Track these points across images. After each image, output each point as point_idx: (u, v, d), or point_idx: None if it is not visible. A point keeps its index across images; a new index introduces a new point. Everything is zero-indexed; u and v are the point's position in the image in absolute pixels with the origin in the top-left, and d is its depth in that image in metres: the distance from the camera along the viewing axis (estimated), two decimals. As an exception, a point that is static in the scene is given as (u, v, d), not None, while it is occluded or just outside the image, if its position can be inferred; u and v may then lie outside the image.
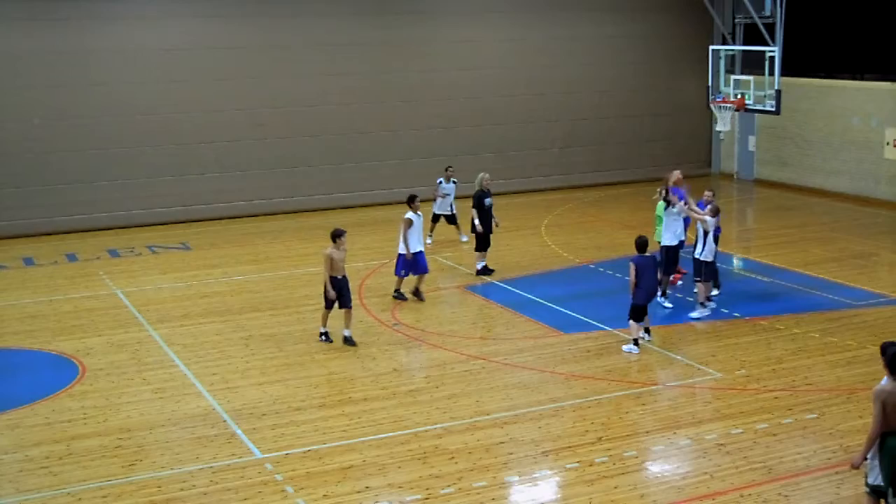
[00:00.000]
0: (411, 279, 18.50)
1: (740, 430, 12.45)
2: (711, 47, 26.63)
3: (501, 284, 19.47)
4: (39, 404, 13.90)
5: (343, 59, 27.33)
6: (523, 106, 29.43)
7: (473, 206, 19.95)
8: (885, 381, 9.31)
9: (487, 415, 13.19)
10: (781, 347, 15.57)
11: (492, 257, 20.59)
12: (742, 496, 10.84)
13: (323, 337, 16.24)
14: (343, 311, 16.03)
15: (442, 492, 11.08)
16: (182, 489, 11.31)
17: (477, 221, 19.82)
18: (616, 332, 16.29)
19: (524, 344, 16.01)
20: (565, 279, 19.89)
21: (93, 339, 16.73)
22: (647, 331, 15.81)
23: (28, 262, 22.36)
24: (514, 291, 19.02)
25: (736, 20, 29.43)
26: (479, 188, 20.12)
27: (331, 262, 15.82)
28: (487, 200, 20.00)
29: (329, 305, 16.09)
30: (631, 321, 15.48)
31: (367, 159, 27.96)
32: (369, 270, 20.78)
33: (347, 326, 16.12)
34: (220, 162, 26.52)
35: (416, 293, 18.41)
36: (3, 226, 24.52)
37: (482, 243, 19.98)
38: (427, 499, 10.95)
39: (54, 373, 15.24)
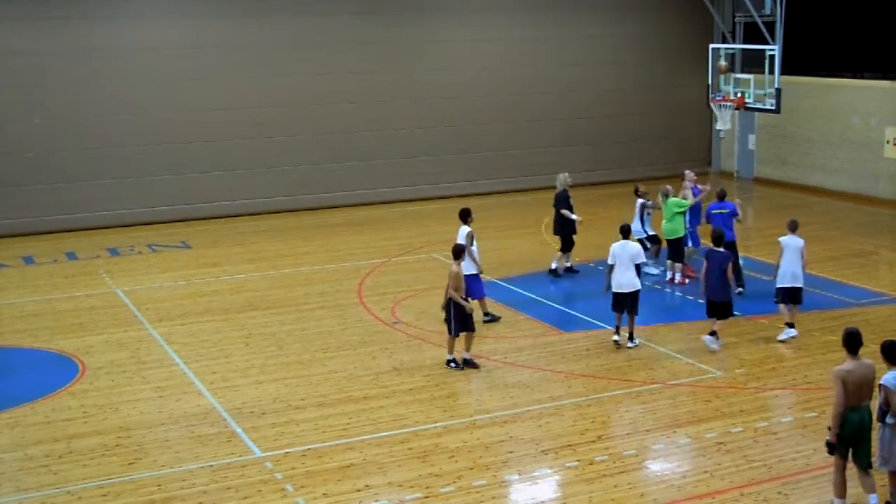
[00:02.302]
0: (486, 301, 17.10)
1: (740, 429, 12.46)
2: (711, 46, 26.60)
3: (501, 283, 19.45)
4: (39, 403, 13.90)
5: (343, 58, 27.31)
6: (524, 105, 29.42)
7: (562, 208, 19.52)
8: (846, 363, 10.12)
9: (487, 413, 13.19)
10: (781, 346, 15.56)
11: (491, 256, 20.62)
12: (742, 495, 10.85)
13: (453, 364, 14.75)
14: (464, 334, 14.71)
15: (442, 490, 11.08)
16: (182, 488, 11.31)
17: (575, 216, 19.49)
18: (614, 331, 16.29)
19: (524, 343, 16.01)
20: (565, 278, 19.88)
21: (93, 338, 16.73)
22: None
23: (28, 260, 22.36)
24: (514, 290, 19.02)
25: (736, 19, 29.43)
26: (562, 188, 19.76)
27: (457, 280, 14.47)
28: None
29: (459, 330, 14.53)
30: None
31: (367, 158, 27.95)
32: (369, 269, 20.78)
33: (468, 349, 14.81)
34: (221, 161, 26.53)
35: (485, 314, 16.93)
36: (3, 224, 24.51)
37: (568, 244, 19.84)
38: (427, 497, 10.95)
39: (54, 371, 15.25)
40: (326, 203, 27.52)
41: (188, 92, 25.97)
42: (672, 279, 19.19)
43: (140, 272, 21.08)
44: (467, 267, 15.74)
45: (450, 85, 28.55)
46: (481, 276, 16.65)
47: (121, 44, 25.25)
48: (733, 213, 18.24)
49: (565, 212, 19.54)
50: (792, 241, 15.90)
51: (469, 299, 14.88)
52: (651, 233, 19.85)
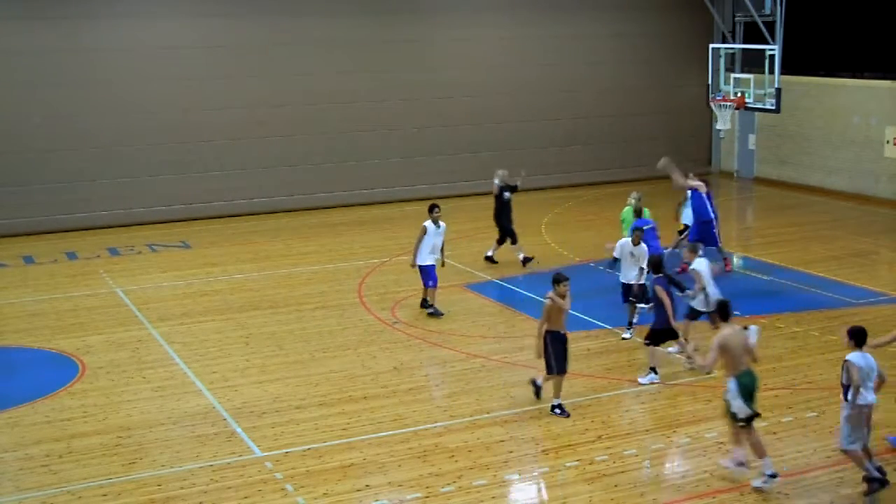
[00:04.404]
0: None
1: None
2: (711, 45, 26.63)
3: (501, 283, 19.46)
4: (39, 402, 13.90)
5: (344, 57, 27.32)
6: (523, 104, 29.41)
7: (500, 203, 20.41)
8: (723, 328, 11.06)
9: (487, 413, 13.19)
10: (781, 346, 15.57)
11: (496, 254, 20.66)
12: (742, 494, 10.84)
13: (557, 410, 13.04)
14: (556, 376, 13.08)
15: (442, 490, 11.08)
16: (182, 487, 11.31)
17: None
18: (616, 330, 16.30)
19: (524, 342, 15.99)
20: (568, 276, 19.84)
21: (93, 338, 16.73)
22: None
23: (28, 260, 22.35)
24: (514, 290, 19.03)
25: (736, 18, 29.43)
26: (500, 183, 20.46)
27: (550, 313, 12.92)
28: (507, 194, 20.40)
29: (562, 368, 12.98)
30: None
31: (367, 157, 27.95)
32: (369, 269, 20.78)
33: (557, 395, 13.11)
34: (221, 161, 26.54)
35: (423, 302, 17.73)
36: (4, 224, 24.51)
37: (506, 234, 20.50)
38: (427, 497, 10.95)
39: (54, 371, 15.25)
40: (326, 203, 27.51)
41: (188, 92, 25.96)
42: None
43: (140, 272, 21.08)
44: (424, 258, 17.28)
45: (449, 85, 28.55)
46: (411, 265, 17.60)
47: (121, 44, 25.24)
48: (654, 229, 17.86)
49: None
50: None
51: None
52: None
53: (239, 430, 12.83)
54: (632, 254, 16.16)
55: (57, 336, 16.92)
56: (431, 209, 17.54)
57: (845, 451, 10.72)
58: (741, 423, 10.97)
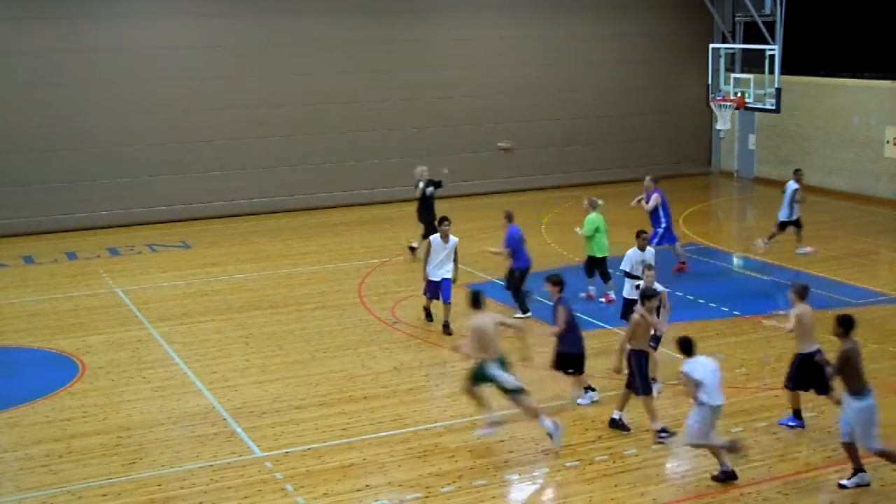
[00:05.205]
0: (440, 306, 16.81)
1: (740, 429, 12.45)
2: (711, 45, 26.63)
3: (501, 283, 19.45)
4: (39, 402, 13.91)
5: (344, 57, 27.32)
6: (523, 104, 29.41)
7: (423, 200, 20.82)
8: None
9: (487, 413, 13.17)
10: (781, 346, 15.53)
11: (490, 257, 20.59)
12: (742, 494, 10.85)
13: (663, 433, 12.13)
14: (644, 397, 12.27)
15: (442, 490, 11.08)
16: (182, 487, 11.32)
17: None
18: (616, 330, 16.28)
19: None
20: (565, 277, 19.80)
21: (93, 338, 16.73)
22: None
23: (28, 260, 22.35)
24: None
25: (736, 18, 29.43)
26: (419, 180, 20.97)
27: (637, 330, 12.15)
28: (429, 190, 20.85)
29: (648, 389, 12.22)
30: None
31: (367, 157, 27.95)
32: (369, 269, 20.78)
33: (655, 418, 12.21)
34: (221, 161, 26.54)
35: (445, 326, 16.50)
36: (4, 224, 24.51)
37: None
38: (427, 497, 10.95)
39: (54, 371, 15.25)
40: (326, 203, 27.50)
41: (188, 91, 25.96)
42: (589, 295, 18.15)
43: (140, 272, 21.08)
44: (434, 272, 16.57)
45: (448, 85, 28.54)
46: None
47: (121, 44, 25.24)
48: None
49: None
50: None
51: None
52: (795, 217, 20.94)
53: (239, 430, 12.83)
54: (643, 261, 15.14)
55: (57, 336, 16.92)
56: (441, 222, 16.57)
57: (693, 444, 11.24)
58: (513, 392, 12.01)
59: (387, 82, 27.91)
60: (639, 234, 15.81)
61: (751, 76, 24.77)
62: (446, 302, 16.50)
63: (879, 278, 19.63)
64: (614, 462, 11.65)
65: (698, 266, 20.43)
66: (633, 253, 15.59)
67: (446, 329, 16.45)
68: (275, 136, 27.02)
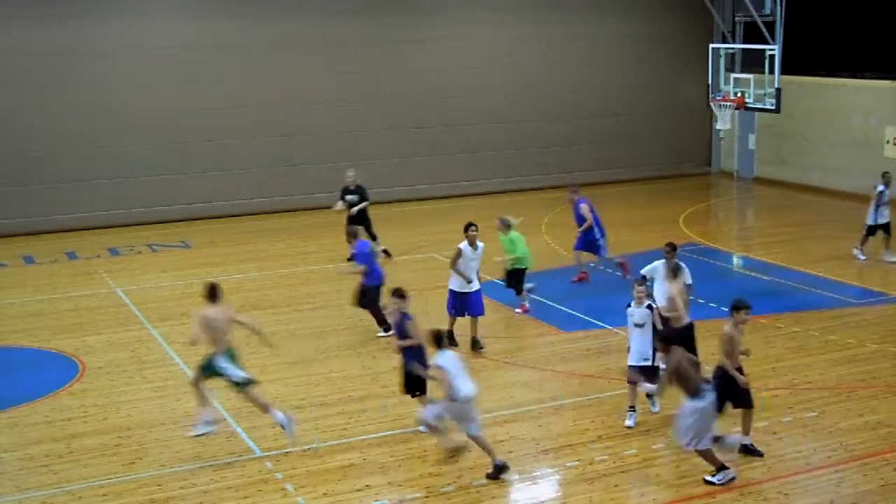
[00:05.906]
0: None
1: (740, 429, 12.43)
2: (711, 45, 26.62)
3: (502, 283, 19.44)
4: (39, 402, 13.91)
5: (344, 57, 27.32)
6: (524, 104, 29.42)
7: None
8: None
9: (488, 413, 13.13)
10: (781, 346, 15.56)
11: (490, 257, 20.59)
12: (742, 494, 10.85)
13: (750, 446, 11.75)
14: (743, 410, 11.70)
15: (442, 490, 11.08)
16: (182, 487, 11.32)
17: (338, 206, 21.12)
18: (616, 330, 16.27)
19: (524, 342, 16.01)
20: (565, 277, 19.87)
21: (93, 338, 16.74)
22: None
23: (28, 260, 22.36)
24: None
25: (736, 18, 29.41)
26: (348, 183, 21.28)
27: (732, 344, 11.41)
28: (349, 197, 21.12)
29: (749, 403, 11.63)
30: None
31: (367, 157, 27.91)
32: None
33: (746, 432, 11.76)
34: (221, 161, 26.54)
35: (474, 343, 15.53)
36: (4, 224, 24.52)
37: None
38: (427, 497, 10.95)
39: (54, 371, 15.25)
40: (326, 203, 27.41)
41: (188, 91, 25.97)
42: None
43: (140, 272, 21.08)
44: (461, 283, 15.27)
45: (449, 85, 28.54)
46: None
47: (121, 44, 25.26)
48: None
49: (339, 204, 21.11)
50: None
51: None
52: (882, 221, 20.34)
53: (239, 429, 12.83)
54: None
55: (57, 336, 16.92)
56: (467, 228, 15.34)
57: (474, 438, 11.28)
58: (242, 385, 12.17)
59: (388, 81, 27.91)
60: (667, 247, 14.53)
61: (751, 76, 24.77)
62: (478, 315, 15.47)
63: (880, 278, 19.63)
64: (614, 462, 11.65)
65: (698, 266, 20.40)
66: (661, 264, 14.48)
67: (476, 345, 15.47)
68: (275, 136, 27.02)
